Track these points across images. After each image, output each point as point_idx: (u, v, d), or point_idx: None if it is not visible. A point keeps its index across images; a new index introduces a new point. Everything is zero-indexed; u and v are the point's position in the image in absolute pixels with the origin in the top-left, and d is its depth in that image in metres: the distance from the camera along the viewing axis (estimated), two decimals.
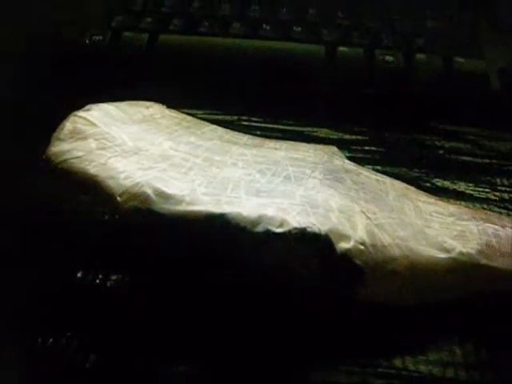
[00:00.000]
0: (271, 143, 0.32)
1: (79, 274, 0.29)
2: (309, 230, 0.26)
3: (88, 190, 0.28)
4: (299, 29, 0.42)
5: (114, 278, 0.29)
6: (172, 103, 0.34)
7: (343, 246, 0.26)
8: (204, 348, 0.27)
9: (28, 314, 0.28)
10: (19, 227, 0.32)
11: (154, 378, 0.26)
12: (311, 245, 0.26)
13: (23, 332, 0.27)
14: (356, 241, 0.26)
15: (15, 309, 0.28)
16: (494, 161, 0.38)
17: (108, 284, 0.29)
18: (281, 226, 0.26)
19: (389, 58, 0.40)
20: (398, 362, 0.27)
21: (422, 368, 0.26)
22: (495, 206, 0.34)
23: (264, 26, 0.42)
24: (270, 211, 0.26)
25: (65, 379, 0.26)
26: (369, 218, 0.27)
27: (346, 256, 0.26)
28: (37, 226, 0.32)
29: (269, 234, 0.26)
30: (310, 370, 0.26)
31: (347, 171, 0.31)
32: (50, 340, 0.27)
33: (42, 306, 0.29)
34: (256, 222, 0.26)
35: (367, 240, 0.26)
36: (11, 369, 0.26)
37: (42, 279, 0.29)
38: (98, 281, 0.29)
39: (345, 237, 0.26)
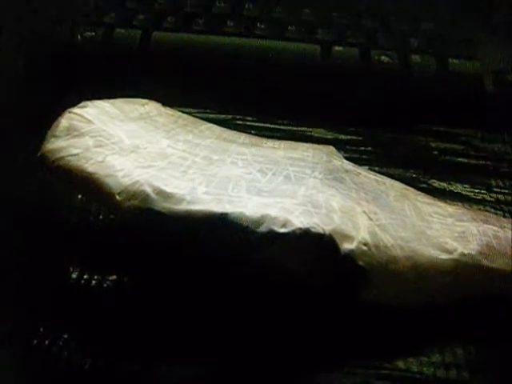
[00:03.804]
0: (269, 142, 0.32)
1: (76, 274, 0.29)
2: (313, 230, 0.25)
3: (86, 188, 0.27)
4: (294, 28, 0.42)
5: (112, 278, 0.29)
6: (165, 101, 0.34)
7: (346, 246, 0.26)
8: (204, 348, 0.27)
9: (22, 315, 0.28)
10: (14, 226, 0.31)
11: (151, 378, 0.26)
12: (315, 245, 0.25)
13: (17, 332, 0.27)
14: (359, 241, 0.26)
15: (9, 309, 0.28)
16: (488, 162, 0.38)
17: (106, 284, 0.29)
18: (284, 226, 0.25)
19: (384, 58, 0.40)
20: (400, 364, 0.26)
21: (425, 369, 0.26)
22: (491, 207, 0.34)
23: (259, 24, 0.42)
24: (272, 211, 0.26)
25: (62, 380, 0.26)
26: (371, 218, 0.27)
27: (350, 257, 0.25)
28: (32, 224, 0.31)
29: (272, 234, 0.25)
30: (311, 370, 0.26)
31: (347, 171, 0.30)
32: (46, 341, 0.26)
33: (37, 306, 0.28)
34: (259, 221, 0.25)
35: (370, 241, 0.26)
36: (6, 369, 0.26)
37: (38, 279, 0.29)
38: (95, 281, 0.29)
39: (348, 237, 0.26)
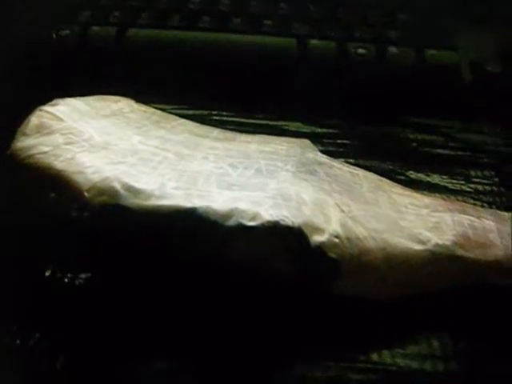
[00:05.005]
0: (243, 137, 0.32)
1: (47, 273, 0.29)
2: (282, 223, 0.25)
3: (55, 186, 0.27)
4: (270, 22, 0.41)
5: (83, 276, 0.28)
6: (141, 98, 0.34)
7: (317, 239, 0.25)
8: (178, 344, 0.26)
9: None
10: None
11: (125, 376, 0.25)
12: (284, 238, 0.25)
13: None
14: (330, 234, 0.25)
15: None
16: (467, 153, 0.38)
17: (77, 282, 0.28)
18: (253, 219, 0.25)
19: (361, 50, 0.40)
20: (375, 356, 0.26)
21: (400, 361, 0.26)
22: (470, 197, 0.34)
23: (234, 19, 0.41)
24: (241, 204, 0.26)
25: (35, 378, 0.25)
26: (343, 210, 0.27)
27: (320, 249, 0.25)
28: (3, 223, 0.31)
29: (241, 227, 0.25)
30: (284, 364, 0.26)
31: (320, 164, 0.30)
32: (18, 340, 0.26)
33: (8, 305, 0.28)
34: (228, 215, 0.25)
35: (341, 233, 0.26)
36: None
37: (9, 279, 0.28)
38: (66, 279, 0.28)
39: (318, 230, 0.25)
